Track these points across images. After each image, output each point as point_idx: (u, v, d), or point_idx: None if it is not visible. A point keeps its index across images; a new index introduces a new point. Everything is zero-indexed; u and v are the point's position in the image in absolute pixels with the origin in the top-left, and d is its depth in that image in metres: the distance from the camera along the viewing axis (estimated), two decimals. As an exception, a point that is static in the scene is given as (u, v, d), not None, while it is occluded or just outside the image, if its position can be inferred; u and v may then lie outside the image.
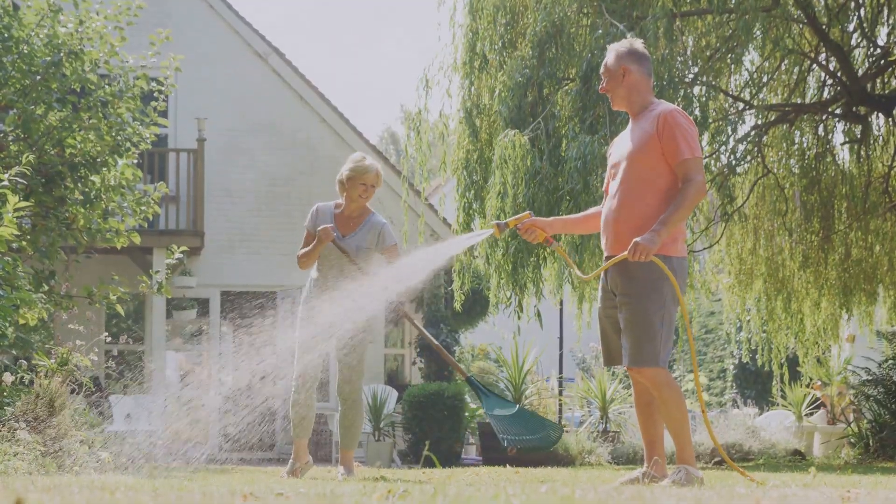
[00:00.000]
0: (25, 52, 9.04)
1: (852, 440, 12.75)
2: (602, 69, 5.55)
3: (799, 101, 12.85)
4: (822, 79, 12.98)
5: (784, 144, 12.92)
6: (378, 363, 16.11)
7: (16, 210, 6.66)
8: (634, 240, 5.14)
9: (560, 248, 5.67)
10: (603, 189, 5.66)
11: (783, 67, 12.57)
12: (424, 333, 7.13)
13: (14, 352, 8.57)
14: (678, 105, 9.99)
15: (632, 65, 5.42)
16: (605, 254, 5.43)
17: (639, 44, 5.52)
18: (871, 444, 12.33)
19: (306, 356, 6.97)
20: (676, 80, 10.51)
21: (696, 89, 11.06)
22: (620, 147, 5.47)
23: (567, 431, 13.75)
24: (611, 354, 5.50)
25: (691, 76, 11.24)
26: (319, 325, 6.69)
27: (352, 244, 6.92)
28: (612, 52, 5.50)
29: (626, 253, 5.17)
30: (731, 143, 11.64)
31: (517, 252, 10.54)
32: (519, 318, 11.22)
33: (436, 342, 7.05)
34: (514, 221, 5.67)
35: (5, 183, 6.88)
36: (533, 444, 6.29)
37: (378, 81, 77.23)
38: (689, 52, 11.42)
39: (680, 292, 5.21)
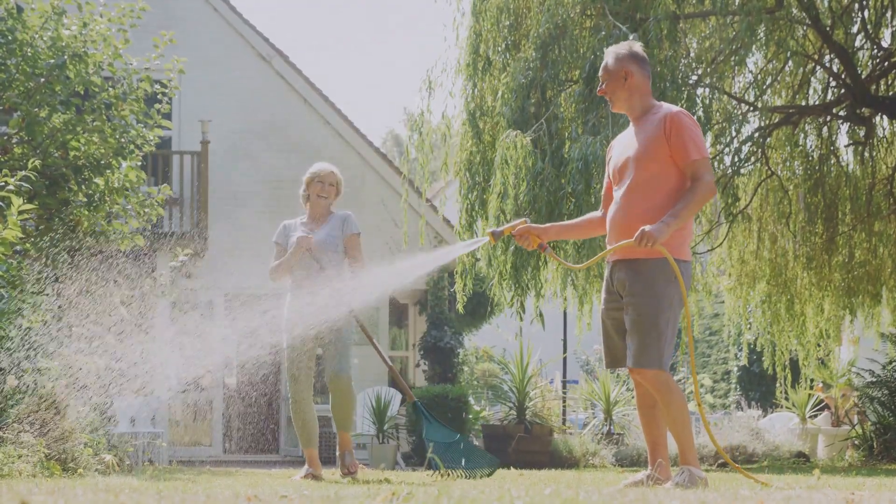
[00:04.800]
0: (29, 54, 9.05)
1: (856, 442, 12.74)
2: (601, 71, 5.46)
3: (803, 102, 12.84)
4: (826, 81, 12.96)
5: (788, 146, 12.91)
6: (381, 366, 16.09)
7: (20, 213, 6.67)
8: (642, 227, 5.06)
9: (551, 253, 5.59)
10: (603, 191, 5.58)
11: (787, 69, 12.55)
12: (377, 348, 7.26)
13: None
14: (681, 107, 9.98)
15: (633, 67, 5.37)
16: (611, 257, 5.37)
17: (638, 46, 5.49)
18: (875, 446, 12.32)
19: (296, 366, 6.98)
20: (680, 81, 10.49)
21: (700, 91, 11.05)
22: (624, 150, 5.38)
23: (570, 434, 13.74)
24: (613, 356, 5.46)
25: (695, 78, 11.23)
26: (303, 319, 6.78)
27: (319, 236, 7.06)
28: (612, 54, 5.44)
29: (632, 240, 5.09)
30: (735, 144, 11.63)
31: (517, 253, 10.53)
32: (521, 319, 11.20)
33: (387, 361, 7.34)
34: (508, 229, 5.55)
35: (10, 187, 6.89)
36: (461, 469, 6.63)
37: (381, 84, 77.28)
38: (692, 54, 11.41)
39: (686, 294, 5.21)
